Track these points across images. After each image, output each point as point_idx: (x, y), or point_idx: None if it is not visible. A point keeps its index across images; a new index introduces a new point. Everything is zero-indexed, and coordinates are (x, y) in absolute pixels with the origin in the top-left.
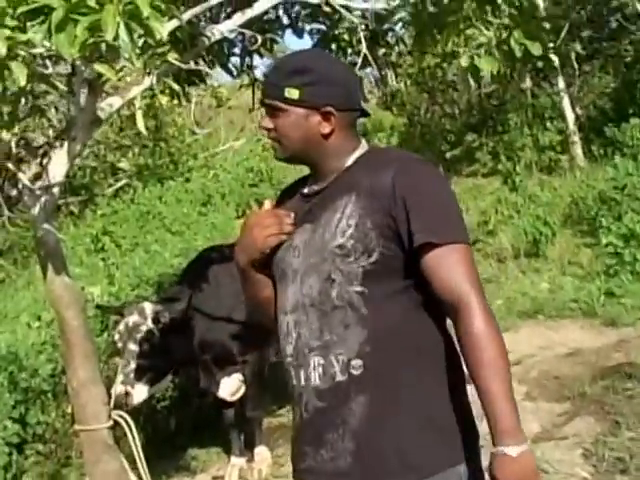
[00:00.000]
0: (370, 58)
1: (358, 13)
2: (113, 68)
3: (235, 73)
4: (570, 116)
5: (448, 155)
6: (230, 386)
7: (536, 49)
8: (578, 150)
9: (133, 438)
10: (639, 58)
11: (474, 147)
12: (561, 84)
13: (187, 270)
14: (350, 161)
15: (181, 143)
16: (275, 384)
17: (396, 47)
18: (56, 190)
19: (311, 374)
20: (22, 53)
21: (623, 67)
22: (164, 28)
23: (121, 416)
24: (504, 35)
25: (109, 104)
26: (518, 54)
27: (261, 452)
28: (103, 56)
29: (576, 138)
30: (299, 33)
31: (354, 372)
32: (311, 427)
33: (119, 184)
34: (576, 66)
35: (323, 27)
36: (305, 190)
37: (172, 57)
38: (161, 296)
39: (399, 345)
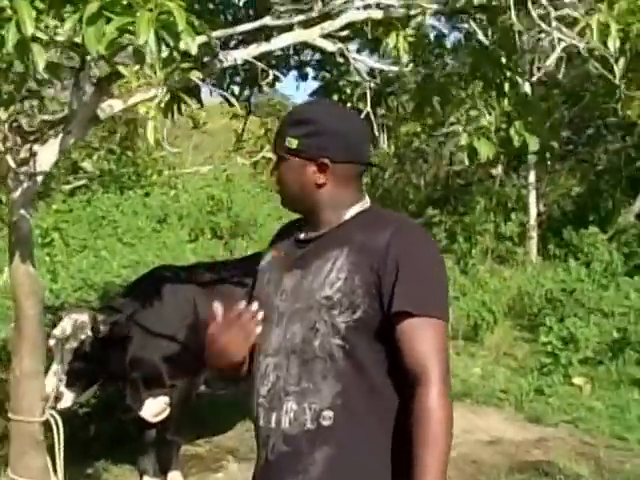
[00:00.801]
0: (372, 117)
1: (366, 69)
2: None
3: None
4: (533, 211)
5: None
6: (154, 407)
7: (533, 143)
8: (533, 246)
9: (59, 441)
10: (609, 168)
11: (433, 222)
12: (531, 178)
13: (136, 284)
14: (348, 215)
15: (148, 156)
16: (198, 413)
17: (395, 112)
18: (39, 179)
19: (282, 418)
20: (44, 37)
21: (592, 174)
22: (195, 44)
23: (53, 416)
24: (504, 123)
25: (110, 105)
26: (516, 144)
27: (174, 477)
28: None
29: (534, 234)
30: (303, 76)
31: (323, 422)
32: (274, 470)
33: (78, 183)
34: (548, 163)
35: (328, 75)
36: (301, 236)
37: (195, 75)
38: (104, 305)
39: (368, 404)
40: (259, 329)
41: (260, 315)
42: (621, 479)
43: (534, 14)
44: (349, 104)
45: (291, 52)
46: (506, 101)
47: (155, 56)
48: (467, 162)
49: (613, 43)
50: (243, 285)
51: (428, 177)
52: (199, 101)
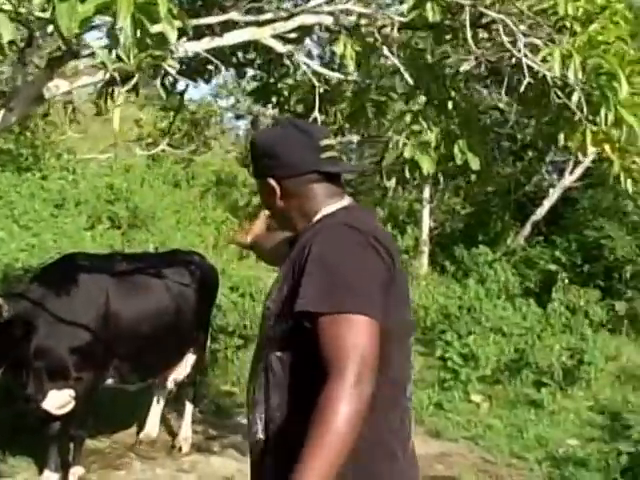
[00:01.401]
0: (319, 119)
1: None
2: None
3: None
4: (426, 226)
5: None
6: (58, 400)
7: (475, 164)
8: (425, 260)
9: None
10: (500, 192)
11: None
12: (426, 193)
13: (45, 270)
14: (314, 221)
15: (46, 139)
16: (102, 408)
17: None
18: None
19: (250, 426)
20: (8, 8)
21: (483, 195)
22: (174, 32)
23: None
24: (446, 140)
25: (56, 86)
26: (459, 162)
27: (77, 472)
28: None
29: (425, 248)
30: (241, 74)
31: (269, 432)
32: (255, 473)
33: None
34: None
35: (265, 75)
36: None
37: (169, 63)
38: (7, 290)
39: (305, 414)
40: None
41: None
42: None
43: (505, 39)
44: (286, 106)
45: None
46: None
47: (130, 40)
48: (408, 175)
49: (574, 73)
50: (159, 278)
51: None
52: (135, 89)
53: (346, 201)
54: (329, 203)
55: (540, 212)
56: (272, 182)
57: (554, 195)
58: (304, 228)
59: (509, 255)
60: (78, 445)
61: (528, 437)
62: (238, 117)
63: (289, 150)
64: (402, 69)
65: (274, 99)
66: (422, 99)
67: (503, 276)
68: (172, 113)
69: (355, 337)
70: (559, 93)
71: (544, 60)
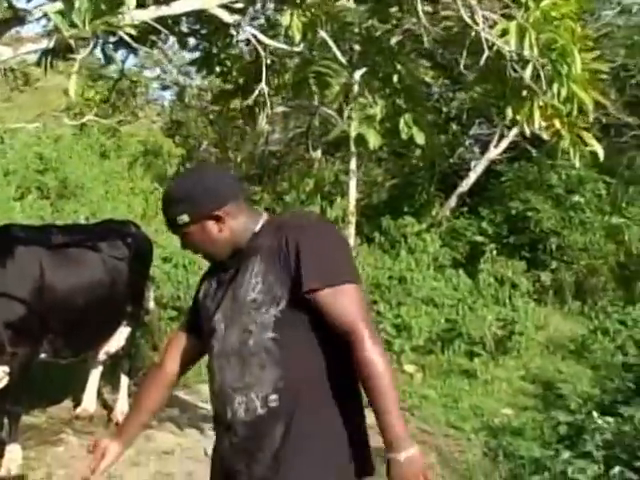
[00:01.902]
0: (266, 92)
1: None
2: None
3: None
4: (353, 196)
5: None
6: None
7: (420, 138)
8: (352, 231)
9: None
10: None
11: (253, 199)
12: (353, 165)
13: None
14: (250, 234)
15: None
16: (36, 383)
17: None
18: None
19: (237, 410)
20: None
21: (407, 168)
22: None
23: None
24: (392, 114)
25: None
26: (404, 136)
27: (13, 450)
28: None
29: (353, 219)
30: (183, 44)
31: (271, 405)
32: (243, 450)
33: None
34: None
35: (208, 45)
36: (223, 265)
37: (126, 30)
38: None
39: (305, 378)
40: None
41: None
42: (465, 469)
43: (463, 13)
44: (229, 76)
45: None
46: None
47: (85, 6)
48: (353, 149)
49: (529, 48)
50: (94, 250)
51: (243, 154)
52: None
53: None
54: (258, 213)
55: (466, 184)
56: (220, 214)
57: (479, 167)
58: (249, 239)
59: (435, 226)
60: (14, 422)
61: (463, 407)
62: (164, 88)
63: (222, 184)
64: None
65: (217, 69)
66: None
67: (432, 247)
68: (100, 83)
69: (359, 302)
70: (516, 67)
71: (501, 35)
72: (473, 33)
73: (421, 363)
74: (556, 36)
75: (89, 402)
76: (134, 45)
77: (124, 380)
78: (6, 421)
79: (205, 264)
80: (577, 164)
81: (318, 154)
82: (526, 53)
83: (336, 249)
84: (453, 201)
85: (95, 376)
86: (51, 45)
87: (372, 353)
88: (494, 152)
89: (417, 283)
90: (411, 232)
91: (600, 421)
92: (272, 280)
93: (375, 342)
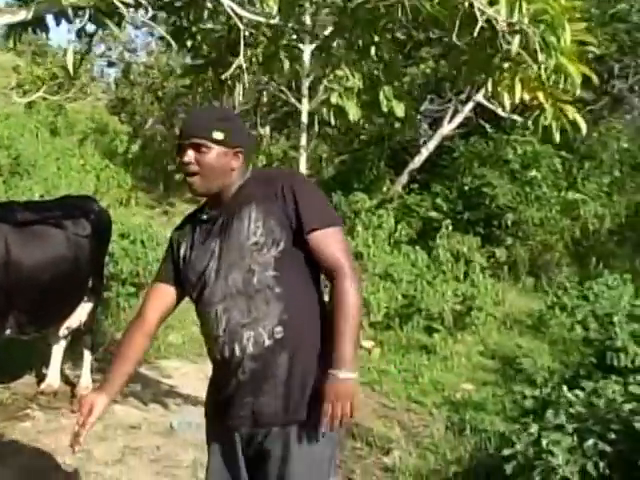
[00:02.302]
0: (244, 65)
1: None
2: None
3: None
4: (303, 172)
5: (177, 177)
6: None
7: (400, 110)
8: None
9: None
10: (374, 140)
11: None
12: (303, 140)
13: None
14: (241, 184)
15: None
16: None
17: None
18: None
19: (245, 345)
20: None
21: (357, 144)
22: None
23: None
24: (371, 86)
25: None
26: (384, 109)
27: None
28: None
29: None
30: (153, 18)
31: (277, 336)
32: (250, 384)
33: None
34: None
35: (178, 19)
36: (204, 217)
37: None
38: None
39: (305, 309)
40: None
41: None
42: (430, 443)
43: None
44: (201, 51)
45: None
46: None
47: None
48: (332, 122)
49: (519, 18)
50: (56, 225)
51: None
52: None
53: None
54: (248, 168)
55: (418, 160)
56: (242, 150)
57: (432, 144)
58: (236, 190)
59: (387, 202)
60: None
61: (423, 382)
62: (110, 64)
63: (247, 131)
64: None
65: (189, 43)
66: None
67: (387, 223)
68: (49, 60)
69: (345, 242)
70: (508, 38)
71: (490, 3)
72: (467, 3)
73: (379, 339)
74: (547, 7)
75: (53, 378)
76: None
77: (87, 355)
78: None
79: (162, 240)
80: (557, 139)
81: (267, 130)
82: (516, 22)
83: (323, 196)
84: (404, 177)
85: (58, 352)
86: (29, 17)
87: (350, 286)
88: (447, 128)
89: (374, 259)
90: (363, 208)
91: (570, 394)
92: (272, 224)
93: (354, 279)
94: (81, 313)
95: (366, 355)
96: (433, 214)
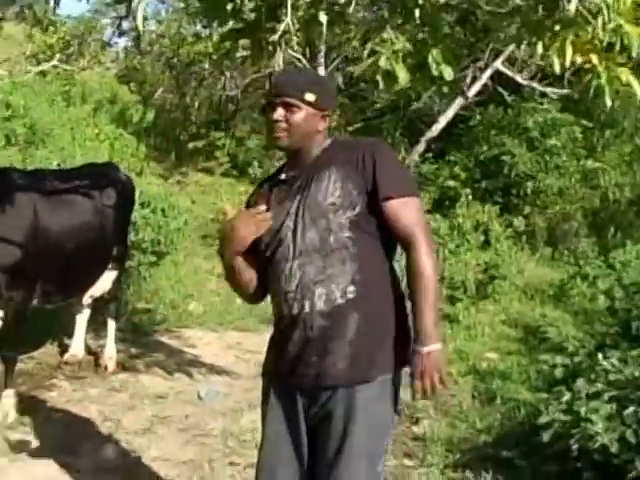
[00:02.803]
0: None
1: None
2: None
3: None
4: None
5: (190, 145)
6: None
7: (448, 74)
8: None
9: None
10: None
11: (216, 145)
12: None
13: None
14: (323, 148)
15: None
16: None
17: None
18: None
19: (316, 302)
20: None
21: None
22: None
23: None
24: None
25: None
26: (434, 73)
27: (9, 395)
28: None
29: None
30: None
31: (349, 296)
32: (317, 342)
33: None
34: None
35: None
36: (283, 176)
37: None
38: None
39: (376, 273)
40: (267, 225)
41: (268, 215)
42: (459, 412)
43: None
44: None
45: None
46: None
47: None
48: (382, 86)
49: None
50: (82, 193)
51: (200, 99)
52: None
53: None
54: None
55: (435, 128)
56: (330, 113)
57: (450, 112)
58: (320, 152)
59: None
60: (10, 367)
61: (448, 351)
62: (121, 34)
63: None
64: None
65: (229, 7)
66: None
67: None
68: (62, 29)
69: (422, 214)
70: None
71: None
72: None
73: None
74: None
75: (77, 348)
76: None
77: (111, 324)
78: (1, 367)
79: (183, 209)
80: (609, 103)
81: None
82: None
83: (403, 169)
84: (422, 146)
85: (82, 321)
86: None
87: (426, 256)
88: (466, 95)
89: None
90: None
91: (605, 362)
92: (350, 187)
93: (430, 249)
94: (105, 282)
95: None
96: (451, 183)
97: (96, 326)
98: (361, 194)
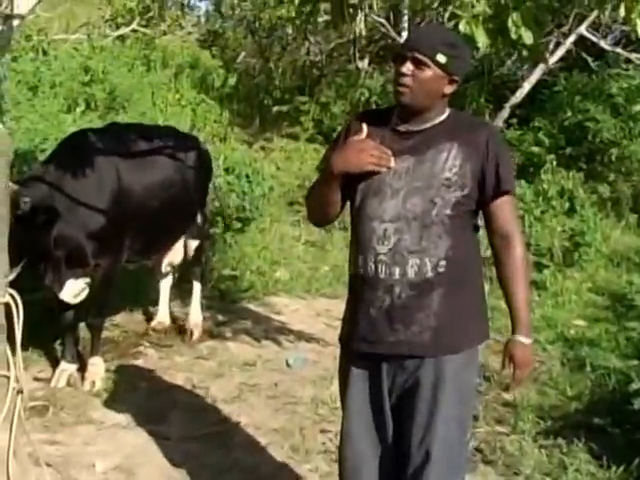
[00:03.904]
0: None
1: None
2: None
3: None
4: None
5: (275, 109)
6: (74, 288)
7: (528, 38)
8: None
9: (18, 323)
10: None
11: (301, 110)
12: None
13: (56, 151)
14: (443, 117)
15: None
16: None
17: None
18: (16, 23)
19: (408, 270)
20: None
21: None
22: None
23: (13, 296)
24: (499, 13)
25: None
26: (513, 36)
27: (96, 363)
28: None
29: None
30: None
31: (440, 270)
32: (403, 310)
33: None
34: None
35: None
36: (400, 128)
37: None
38: (23, 177)
39: (465, 251)
40: (385, 168)
41: (392, 162)
42: (548, 379)
43: None
44: None
45: None
46: None
47: None
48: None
49: None
50: (163, 151)
51: (284, 64)
52: None
53: None
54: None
55: (520, 94)
56: (458, 79)
57: (534, 77)
58: (440, 121)
59: None
60: (96, 334)
61: (535, 318)
62: None
63: (469, 59)
64: None
65: None
66: None
67: None
68: None
69: (517, 209)
70: None
71: None
72: None
73: (488, 275)
74: None
75: (163, 315)
76: None
77: (197, 288)
78: (87, 335)
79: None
80: None
81: (365, 64)
82: None
83: (513, 164)
84: (506, 112)
85: (166, 288)
86: None
87: (522, 254)
88: (549, 61)
89: None
90: None
91: None
92: (468, 168)
93: (524, 247)
94: (184, 249)
95: None
96: (535, 149)
97: (182, 293)
98: (474, 178)
